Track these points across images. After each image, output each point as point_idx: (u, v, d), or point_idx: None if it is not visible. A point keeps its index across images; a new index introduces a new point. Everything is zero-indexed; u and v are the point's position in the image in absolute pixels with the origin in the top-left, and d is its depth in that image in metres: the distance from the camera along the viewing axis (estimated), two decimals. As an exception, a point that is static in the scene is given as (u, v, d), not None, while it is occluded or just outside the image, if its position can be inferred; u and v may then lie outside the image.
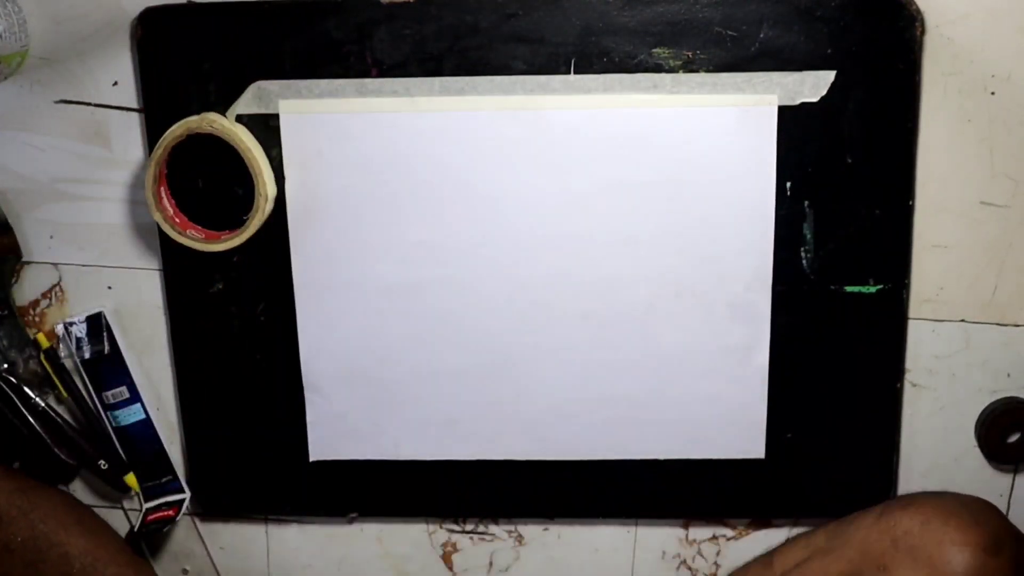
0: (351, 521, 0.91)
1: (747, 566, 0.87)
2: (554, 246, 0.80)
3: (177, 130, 0.75)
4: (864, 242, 0.79)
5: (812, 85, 0.76)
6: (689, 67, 0.76)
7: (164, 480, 0.89)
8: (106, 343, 0.85)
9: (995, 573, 0.70)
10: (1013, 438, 0.83)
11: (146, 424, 0.87)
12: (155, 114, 0.79)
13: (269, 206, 0.78)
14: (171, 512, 0.88)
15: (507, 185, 0.79)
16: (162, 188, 0.78)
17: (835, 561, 0.76)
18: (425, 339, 0.82)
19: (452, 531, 0.91)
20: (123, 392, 0.86)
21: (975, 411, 0.84)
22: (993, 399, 0.83)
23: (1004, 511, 0.86)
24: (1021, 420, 0.82)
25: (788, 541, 0.84)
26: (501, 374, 0.83)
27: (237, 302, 0.83)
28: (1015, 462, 0.84)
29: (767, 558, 0.84)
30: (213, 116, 0.76)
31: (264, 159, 0.78)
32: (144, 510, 0.89)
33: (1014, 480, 0.85)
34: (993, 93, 0.76)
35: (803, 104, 0.76)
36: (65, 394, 0.86)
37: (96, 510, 0.90)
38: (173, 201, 0.79)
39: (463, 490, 0.87)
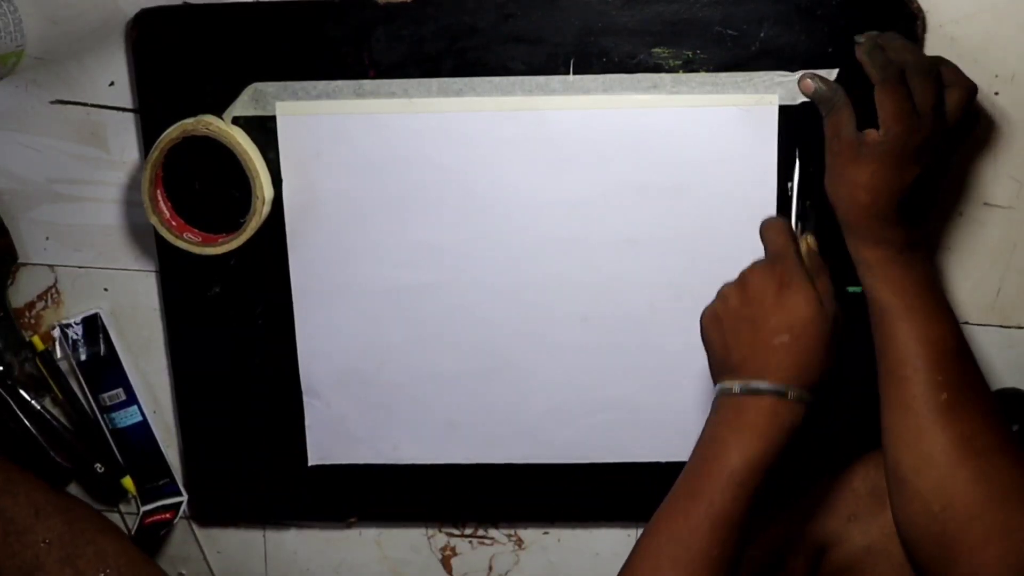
0: (350, 525, 0.90)
1: None
2: (553, 248, 0.79)
3: (173, 132, 0.75)
4: (866, 243, 0.78)
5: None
6: (689, 67, 0.76)
7: (161, 483, 0.89)
8: (102, 345, 0.85)
9: None
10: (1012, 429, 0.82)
11: (143, 426, 0.87)
12: (151, 115, 0.79)
13: (266, 209, 0.77)
14: (168, 515, 0.88)
15: (506, 187, 0.78)
16: (159, 191, 0.77)
17: (799, 524, 0.77)
18: (424, 342, 0.82)
19: (451, 535, 0.91)
20: (120, 394, 0.86)
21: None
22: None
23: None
24: (1019, 411, 0.82)
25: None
26: (501, 377, 0.83)
27: (234, 305, 0.82)
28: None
29: None
30: (209, 118, 0.76)
31: (261, 161, 0.77)
32: (141, 513, 0.88)
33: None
34: (997, 93, 0.76)
35: (804, 103, 0.75)
36: (61, 397, 0.86)
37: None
38: (170, 204, 0.78)
39: (462, 494, 0.86)
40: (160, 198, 0.77)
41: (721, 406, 0.67)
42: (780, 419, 0.65)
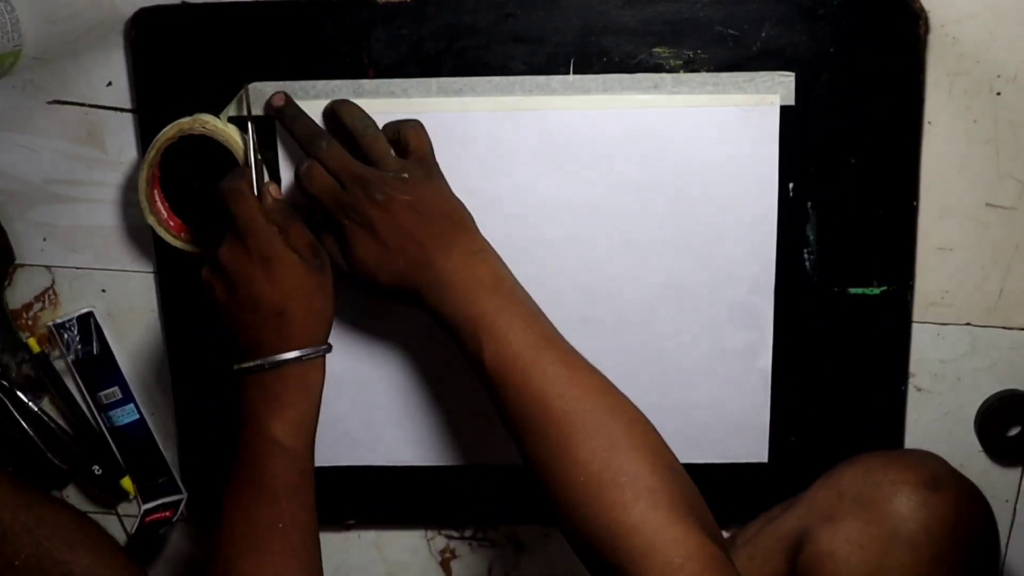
0: (348, 528, 0.90)
1: None
2: (553, 249, 0.79)
3: (169, 132, 0.74)
4: (868, 244, 0.78)
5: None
6: (690, 66, 0.75)
7: (160, 481, 0.88)
8: (96, 343, 0.84)
9: (936, 507, 0.70)
10: (1014, 431, 0.83)
11: (140, 425, 0.87)
12: (149, 115, 0.78)
13: None
14: (168, 513, 0.87)
15: (505, 187, 0.78)
16: (156, 191, 0.77)
17: (785, 521, 0.77)
18: (423, 342, 0.82)
19: (451, 538, 0.90)
20: (116, 393, 0.85)
21: (981, 415, 0.83)
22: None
23: (1010, 516, 0.85)
24: (1020, 412, 0.82)
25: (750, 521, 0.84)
26: (500, 378, 0.82)
27: (233, 305, 0.82)
28: (1018, 458, 0.84)
29: (730, 538, 0.84)
30: (206, 117, 0.75)
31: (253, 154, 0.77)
32: (142, 511, 0.88)
33: (1021, 483, 0.85)
34: (999, 93, 0.76)
35: (805, 104, 0.75)
36: (58, 398, 0.85)
37: (90, 515, 0.89)
38: (167, 204, 0.78)
39: (462, 496, 0.86)
40: (157, 198, 0.77)
41: (248, 385, 0.70)
42: (306, 380, 0.70)
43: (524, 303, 0.68)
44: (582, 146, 0.77)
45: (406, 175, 0.70)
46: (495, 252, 0.71)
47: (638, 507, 0.59)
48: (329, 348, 0.72)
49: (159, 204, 0.77)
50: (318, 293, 0.70)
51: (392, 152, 0.72)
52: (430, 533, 0.90)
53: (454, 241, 0.69)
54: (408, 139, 0.73)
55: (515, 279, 0.70)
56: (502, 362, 0.66)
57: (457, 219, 0.71)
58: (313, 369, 0.71)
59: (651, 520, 0.59)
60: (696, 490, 0.63)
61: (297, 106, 0.74)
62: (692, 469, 0.82)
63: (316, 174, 0.71)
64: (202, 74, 0.77)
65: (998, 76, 0.75)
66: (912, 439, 0.83)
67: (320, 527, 0.89)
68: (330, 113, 0.75)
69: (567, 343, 0.68)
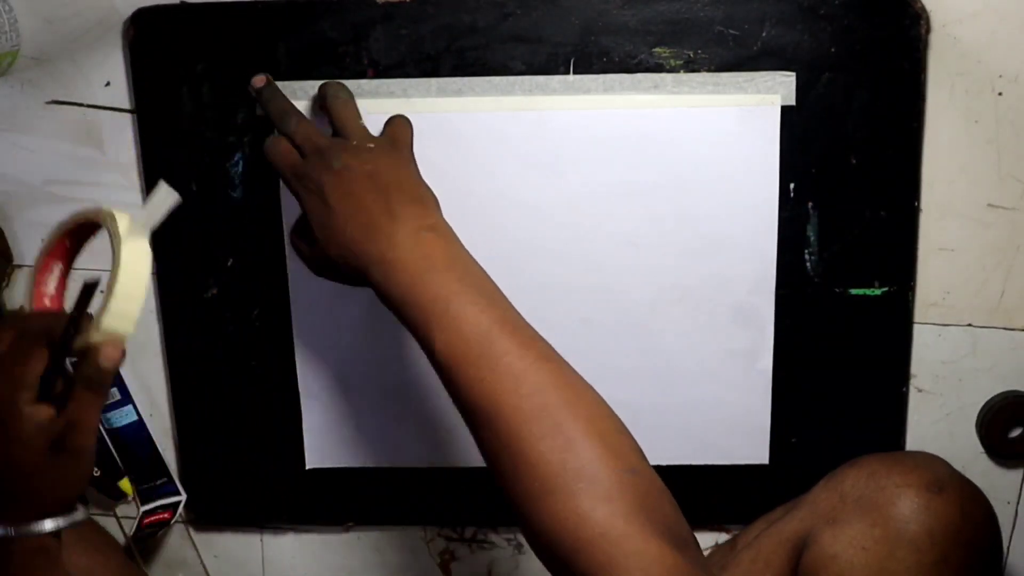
0: (348, 529, 0.90)
1: (713, 551, 0.87)
2: (554, 249, 0.79)
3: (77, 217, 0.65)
4: (869, 244, 0.78)
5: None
6: (690, 67, 0.75)
7: (159, 483, 0.88)
8: (95, 346, 0.84)
9: (939, 509, 0.70)
10: (1015, 433, 0.83)
11: (139, 426, 0.86)
12: (147, 115, 0.78)
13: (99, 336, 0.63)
14: (167, 515, 0.87)
15: (505, 187, 0.78)
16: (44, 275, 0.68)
17: (787, 523, 0.77)
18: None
19: (450, 539, 0.90)
20: (114, 394, 0.85)
21: (982, 416, 0.83)
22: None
23: (1012, 516, 0.85)
24: (1022, 414, 0.82)
25: (751, 523, 0.84)
26: (500, 379, 0.82)
27: (232, 307, 0.82)
28: (1020, 459, 0.84)
29: (731, 541, 0.84)
30: (123, 216, 0.62)
31: (140, 288, 0.62)
32: (140, 513, 0.88)
33: (1022, 485, 0.85)
34: (1001, 93, 0.76)
35: (807, 104, 0.75)
36: (56, 399, 0.85)
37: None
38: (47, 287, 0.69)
39: (461, 497, 0.86)
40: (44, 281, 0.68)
41: None
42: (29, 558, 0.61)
43: (478, 287, 0.64)
44: (582, 146, 0.77)
45: (371, 145, 0.68)
46: (452, 231, 0.67)
47: (594, 518, 0.56)
48: (64, 524, 0.62)
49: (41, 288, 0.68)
50: (26, 467, 0.59)
51: (361, 121, 0.70)
52: (429, 534, 0.90)
53: (407, 214, 0.65)
54: (389, 124, 0.72)
55: (471, 260, 0.66)
56: (453, 353, 0.62)
57: (415, 194, 0.67)
58: (37, 546, 0.61)
59: (610, 532, 0.56)
60: (661, 489, 0.60)
61: (274, 88, 0.73)
62: (692, 470, 0.83)
63: (279, 146, 0.69)
64: (201, 74, 0.77)
65: (1000, 76, 0.75)
66: (913, 440, 0.83)
67: (320, 528, 0.90)
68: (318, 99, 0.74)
69: (527, 330, 0.64)
